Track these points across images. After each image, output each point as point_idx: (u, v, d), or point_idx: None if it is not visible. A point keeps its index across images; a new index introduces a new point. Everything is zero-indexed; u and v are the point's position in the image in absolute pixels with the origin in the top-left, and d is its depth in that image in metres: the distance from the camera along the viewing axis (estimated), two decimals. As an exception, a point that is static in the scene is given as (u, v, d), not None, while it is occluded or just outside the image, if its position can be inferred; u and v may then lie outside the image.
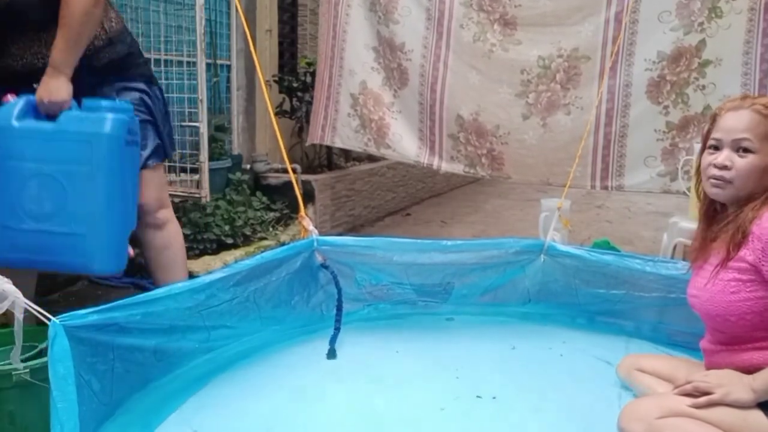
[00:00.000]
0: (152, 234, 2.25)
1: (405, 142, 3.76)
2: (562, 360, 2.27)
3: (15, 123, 1.89)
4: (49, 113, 1.92)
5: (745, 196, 1.64)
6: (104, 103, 1.96)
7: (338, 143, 4.03)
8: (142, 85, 2.19)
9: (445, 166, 3.71)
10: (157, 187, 2.23)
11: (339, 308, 2.35)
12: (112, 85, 2.13)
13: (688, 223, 2.66)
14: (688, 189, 2.75)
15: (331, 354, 2.23)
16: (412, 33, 3.62)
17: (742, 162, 1.63)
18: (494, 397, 1.95)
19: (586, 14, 3.26)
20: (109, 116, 1.89)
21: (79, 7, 1.90)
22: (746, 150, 1.63)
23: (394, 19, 3.64)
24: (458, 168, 3.68)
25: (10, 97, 1.94)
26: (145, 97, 2.19)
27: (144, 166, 2.14)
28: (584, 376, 2.13)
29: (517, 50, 3.40)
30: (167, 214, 2.28)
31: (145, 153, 2.16)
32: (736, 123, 1.65)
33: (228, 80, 4.61)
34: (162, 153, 2.26)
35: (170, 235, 2.28)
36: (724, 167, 1.65)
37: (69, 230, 1.86)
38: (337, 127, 3.93)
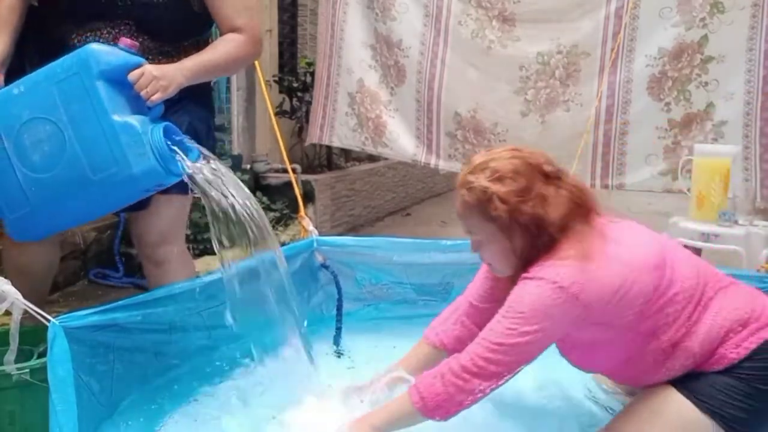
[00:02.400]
0: (149, 268, 2.06)
1: (402, 141, 3.76)
2: (561, 358, 2.26)
3: (99, 77, 1.61)
4: (140, 89, 1.66)
5: (521, 266, 1.48)
6: (184, 147, 1.70)
7: (336, 142, 4.03)
8: (204, 113, 2.04)
9: (443, 165, 3.71)
10: (166, 220, 1.99)
11: (339, 308, 2.35)
12: (183, 107, 1.93)
13: (689, 223, 2.65)
14: (689, 189, 2.74)
15: (338, 354, 2.24)
16: (410, 30, 3.62)
17: (482, 255, 1.55)
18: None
19: (586, 10, 3.27)
20: (152, 162, 1.62)
21: (243, 51, 1.87)
22: (477, 243, 1.53)
23: (392, 16, 3.64)
24: (456, 166, 3.66)
25: (128, 42, 1.71)
26: (200, 126, 2.00)
27: (161, 192, 1.88)
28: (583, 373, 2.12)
29: (516, 47, 3.40)
30: (169, 252, 2.02)
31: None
32: (457, 210, 1.53)
33: (228, 80, 4.61)
34: (189, 187, 2.00)
35: (171, 275, 1.99)
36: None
37: (28, 191, 1.67)
38: (335, 126, 3.93)
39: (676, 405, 1.46)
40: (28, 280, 1.93)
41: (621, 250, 1.45)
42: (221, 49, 1.88)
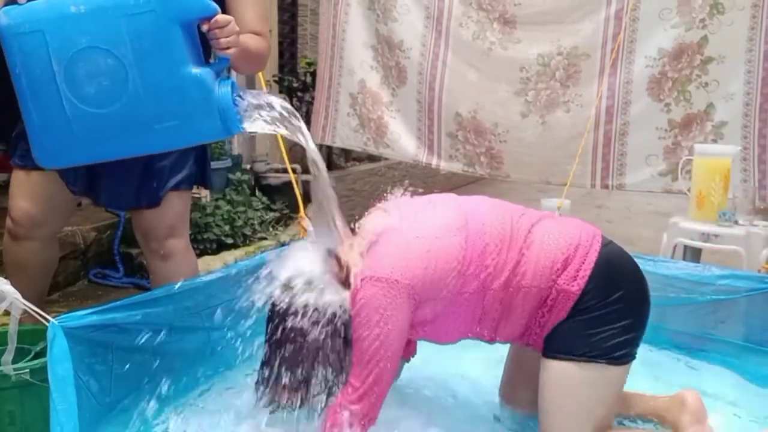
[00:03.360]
0: (155, 263, 2.06)
1: (403, 141, 3.75)
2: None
3: (177, 21, 1.52)
4: (220, 36, 1.58)
5: None
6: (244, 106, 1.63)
7: (338, 143, 4.04)
8: None
9: (444, 165, 3.70)
10: (174, 214, 2.03)
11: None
12: None
13: (689, 223, 2.65)
14: (689, 189, 2.74)
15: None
16: (411, 31, 3.61)
17: None
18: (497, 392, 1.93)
19: (586, 12, 3.24)
20: (216, 122, 1.57)
21: (263, 51, 1.86)
22: None
23: (393, 17, 3.63)
24: (457, 167, 3.67)
25: None
26: None
27: (171, 188, 1.98)
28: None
29: (517, 48, 3.38)
30: (176, 245, 2.04)
31: (179, 176, 1.99)
32: None
33: (228, 80, 4.60)
34: (194, 180, 2.07)
35: (175, 269, 2.02)
36: None
37: (74, 122, 1.57)
38: (337, 127, 3.93)
39: (565, 375, 1.50)
40: (27, 275, 1.94)
41: (419, 226, 1.54)
42: (251, 39, 1.81)
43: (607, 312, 1.50)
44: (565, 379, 1.51)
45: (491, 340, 1.64)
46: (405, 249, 1.49)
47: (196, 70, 1.55)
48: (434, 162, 3.72)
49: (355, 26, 3.76)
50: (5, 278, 1.50)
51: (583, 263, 1.51)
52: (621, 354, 1.51)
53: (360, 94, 3.82)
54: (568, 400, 1.52)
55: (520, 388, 1.77)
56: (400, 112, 3.75)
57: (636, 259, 2.35)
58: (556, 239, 1.54)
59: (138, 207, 2.01)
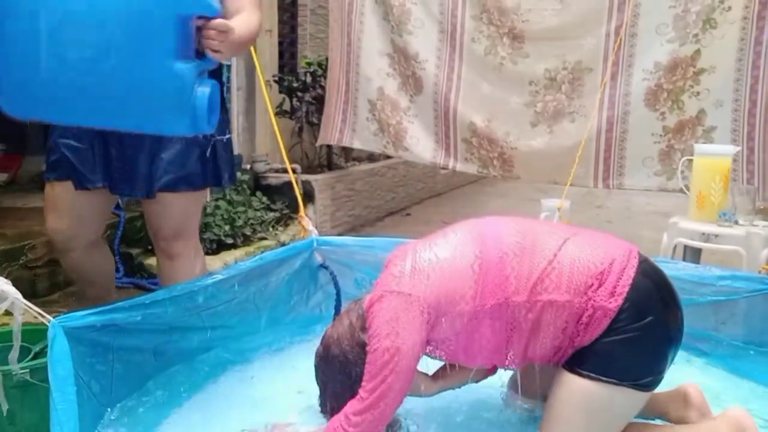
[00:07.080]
0: (162, 260, 2.02)
1: (422, 145, 3.84)
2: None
3: (175, 18, 1.49)
4: (211, 38, 1.57)
5: None
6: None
7: (357, 144, 4.11)
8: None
9: (460, 167, 3.80)
10: (179, 215, 1.96)
11: (338, 308, 2.34)
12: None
13: (689, 223, 2.63)
14: (686, 187, 2.77)
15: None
16: (426, 44, 3.67)
17: None
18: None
19: (589, 29, 3.33)
20: (185, 120, 1.56)
21: (254, 30, 1.81)
22: None
23: (408, 30, 3.68)
24: (472, 168, 3.77)
25: None
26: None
27: (171, 189, 1.91)
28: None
29: (526, 63, 3.50)
30: (183, 246, 1.99)
31: (177, 174, 1.92)
32: None
33: (228, 80, 4.61)
34: (200, 181, 1.98)
35: (180, 269, 1.98)
36: None
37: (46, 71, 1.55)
38: (356, 130, 4.00)
39: (589, 394, 1.41)
40: (84, 279, 2.07)
41: (435, 239, 1.54)
42: (244, 25, 1.73)
43: (641, 334, 1.39)
44: (588, 399, 1.40)
45: (519, 367, 1.53)
46: (417, 263, 1.46)
47: (179, 65, 1.49)
48: (451, 164, 3.79)
49: (371, 35, 3.79)
50: (6, 279, 1.50)
51: (620, 279, 1.40)
52: (649, 381, 1.41)
53: (379, 101, 3.85)
54: (586, 421, 1.41)
55: (527, 379, 1.67)
56: (417, 117, 3.79)
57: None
58: (590, 254, 1.43)
59: (143, 197, 1.95)
